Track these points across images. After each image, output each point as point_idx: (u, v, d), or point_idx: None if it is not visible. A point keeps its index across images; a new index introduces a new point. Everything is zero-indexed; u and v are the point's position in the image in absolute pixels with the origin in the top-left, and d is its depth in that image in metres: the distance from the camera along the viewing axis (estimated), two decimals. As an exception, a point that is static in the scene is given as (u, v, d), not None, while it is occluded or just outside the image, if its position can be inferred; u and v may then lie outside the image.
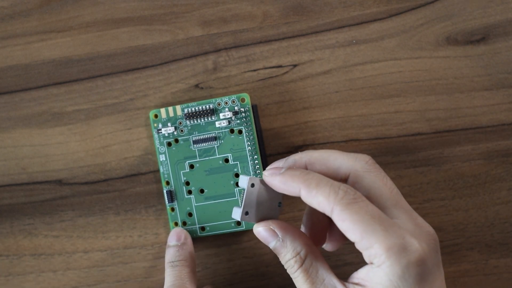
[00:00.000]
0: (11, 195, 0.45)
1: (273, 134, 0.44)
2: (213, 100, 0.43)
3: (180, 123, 0.43)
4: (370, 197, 0.36)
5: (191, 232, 0.43)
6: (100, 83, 0.45)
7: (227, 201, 0.43)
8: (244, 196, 0.37)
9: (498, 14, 0.44)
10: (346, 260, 0.44)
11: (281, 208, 0.38)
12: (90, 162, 0.45)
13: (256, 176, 0.40)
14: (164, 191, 0.43)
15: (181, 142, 0.43)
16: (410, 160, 0.44)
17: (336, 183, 0.35)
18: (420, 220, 0.36)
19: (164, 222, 0.44)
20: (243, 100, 0.43)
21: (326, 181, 0.35)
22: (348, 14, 0.44)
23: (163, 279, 0.43)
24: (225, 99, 0.43)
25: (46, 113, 0.45)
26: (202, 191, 0.43)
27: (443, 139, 0.44)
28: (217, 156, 0.43)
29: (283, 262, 0.37)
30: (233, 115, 0.42)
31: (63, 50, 0.45)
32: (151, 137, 0.44)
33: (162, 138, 0.43)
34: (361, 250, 0.34)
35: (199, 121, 0.43)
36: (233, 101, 0.43)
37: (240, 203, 0.38)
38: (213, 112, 0.43)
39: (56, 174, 0.45)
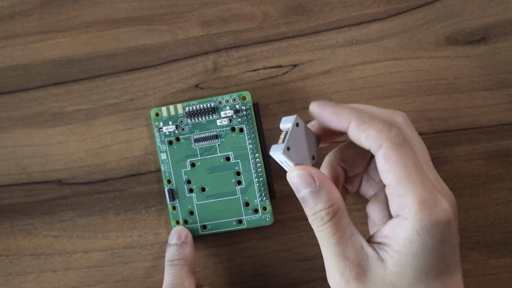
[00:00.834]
0: (11, 195, 0.45)
1: (273, 134, 0.44)
2: (214, 98, 0.43)
3: (181, 121, 0.43)
4: None
5: (192, 231, 0.43)
6: (100, 83, 0.45)
7: (229, 199, 0.43)
8: (290, 132, 0.36)
9: (498, 14, 0.44)
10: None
11: (314, 161, 0.37)
12: (90, 162, 0.45)
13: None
14: (166, 190, 0.43)
15: (182, 140, 0.43)
16: (410, 160, 0.44)
17: (388, 123, 0.35)
18: (444, 184, 0.36)
19: (164, 222, 0.44)
20: (244, 98, 0.43)
21: (379, 118, 0.35)
22: (348, 14, 0.44)
23: (163, 278, 0.43)
24: (226, 97, 0.43)
25: (46, 113, 0.45)
26: (203, 189, 0.43)
27: (443, 139, 0.44)
28: (218, 154, 0.43)
29: (311, 212, 0.35)
30: (234, 113, 0.42)
31: (63, 50, 0.45)
32: (151, 137, 0.44)
33: (163, 137, 0.43)
34: (391, 197, 0.34)
35: (200, 119, 0.43)
36: (234, 99, 0.43)
37: (282, 140, 0.36)
38: (214, 110, 0.43)
39: (56, 174, 0.45)
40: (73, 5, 0.44)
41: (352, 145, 0.39)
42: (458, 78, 0.44)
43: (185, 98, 0.44)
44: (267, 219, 0.43)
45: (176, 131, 0.43)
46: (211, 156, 0.43)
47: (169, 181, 0.43)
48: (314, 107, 0.36)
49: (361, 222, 0.43)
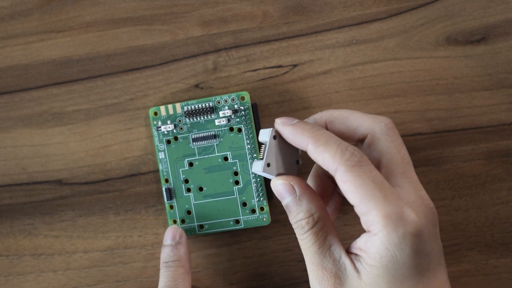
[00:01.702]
0: (11, 195, 0.45)
1: (273, 134, 0.44)
2: (213, 98, 0.43)
3: (180, 120, 0.43)
4: (381, 161, 0.36)
5: (190, 230, 0.43)
6: (100, 83, 0.45)
7: (226, 199, 0.43)
8: (267, 147, 0.37)
9: (498, 14, 0.44)
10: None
11: (299, 165, 0.38)
12: (90, 162, 0.45)
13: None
14: (163, 189, 0.43)
15: (181, 140, 0.43)
16: (410, 160, 0.44)
17: (344, 143, 0.35)
18: (423, 193, 0.36)
19: (164, 222, 0.44)
20: (242, 98, 0.43)
21: (335, 139, 0.35)
22: (348, 14, 0.44)
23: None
24: (225, 97, 0.43)
25: (46, 113, 0.45)
26: (201, 189, 0.43)
27: (443, 139, 0.44)
28: (217, 154, 0.43)
29: (293, 221, 0.36)
30: (232, 113, 0.42)
31: (63, 50, 0.45)
32: (151, 137, 0.44)
33: (161, 136, 0.43)
34: (359, 215, 0.34)
35: (198, 119, 0.43)
36: (233, 99, 0.43)
37: (261, 155, 0.37)
38: (213, 110, 0.43)
39: (56, 174, 0.45)
40: (73, 5, 0.44)
41: None
42: (458, 78, 0.44)
43: (185, 98, 0.44)
44: (264, 219, 0.43)
45: (174, 130, 0.43)
46: (209, 155, 0.43)
47: (166, 180, 0.43)
48: (277, 124, 0.37)
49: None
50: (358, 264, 0.34)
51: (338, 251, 0.35)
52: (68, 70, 0.45)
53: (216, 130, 0.43)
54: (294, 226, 0.36)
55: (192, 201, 0.43)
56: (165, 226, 0.44)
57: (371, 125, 0.37)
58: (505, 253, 0.44)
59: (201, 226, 0.43)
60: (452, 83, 0.44)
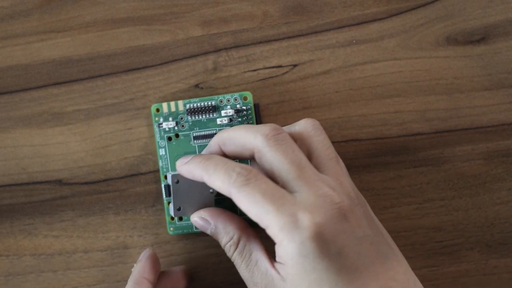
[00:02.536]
0: (11, 195, 0.45)
1: (273, 134, 0.44)
2: (216, 97, 0.43)
3: (182, 118, 0.43)
4: (273, 172, 0.36)
5: (187, 228, 0.43)
6: (100, 83, 0.45)
7: (224, 198, 0.43)
8: (172, 192, 0.39)
9: (498, 14, 0.44)
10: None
11: (214, 194, 0.40)
12: (90, 162, 0.45)
13: None
14: (162, 185, 0.43)
15: (182, 137, 0.43)
16: (410, 160, 0.44)
17: (231, 165, 0.36)
18: (325, 189, 0.35)
19: (164, 222, 0.44)
20: (245, 98, 0.43)
21: (222, 164, 0.36)
22: (348, 14, 0.44)
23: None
24: (228, 96, 0.43)
25: (46, 113, 0.45)
26: None
27: (443, 139, 0.44)
28: None
29: (222, 246, 0.38)
30: (234, 113, 0.42)
31: (63, 50, 0.45)
32: (151, 137, 0.44)
33: (162, 132, 0.43)
34: (265, 229, 0.35)
35: (200, 117, 0.43)
36: (236, 99, 0.43)
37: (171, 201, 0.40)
38: (215, 109, 0.43)
39: (56, 174, 0.45)
40: (73, 5, 0.44)
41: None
42: (458, 78, 0.44)
43: (185, 98, 0.44)
44: None
45: (176, 128, 0.43)
46: None
47: (166, 177, 0.43)
48: (177, 166, 0.39)
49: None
50: (282, 273, 0.35)
51: (263, 264, 0.36)
52: (68, 70, 0.45)
53: (217, 129, 0.43)
54: (225, 251, 0.38)
55: None
56: (165, 226, 0.44)
57: (253, 141, 0.37)
58: (505, 253, 0.44)
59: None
60: (452, 83, 0.44)
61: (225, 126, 0.43)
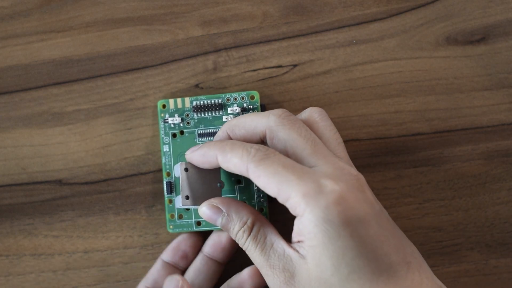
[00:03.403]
0: (11, 195, 0.45)
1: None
2: (223, 95, 0.42)
3: (188, 115, 0.43)
4: (287, 150, 0.36)
5: (187, 226, 0.43)
6: (100, 83, 0.45)
7: (226, 197, 0.42)
8: (180, 181, 0.39)
9: (498, 14, 0.44)
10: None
11: (221, 187, 0.40)
12: (90, 162, 0.45)
13: None
14: (164, 182, 0.43)
15: (186, 134, 0.43)
16: (410, 160, 0.44)
17: (248, 144, 0.36)
18: (342, 164, 0.36)
19: (164, 222, 0.44)
20: (252, 97, 0.42)
21: (239, 144, 0.37)
22: (348, 14, 0.44)
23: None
24: (235, 95, 0.42)
25: (46, 113, 0.45)
26: None
27: (443, 139, 0.44)
28: None
29: (233, 237, 0.37)
30: (241, 111, 0.42)
31: (63, 50, 0.45)
32: (151, 137, 0.44)
33: (167, 129, 0.43)
34: (283, 204, 0.35)
35: (206, 114, 0.43)
36: (242, 98, 0.42)
37: (178, 191, 0.40)
38: (222, 107, 0.42)
39: (56, 174, 0.45)
40: (73, 5, 0.44)
41: None
42: (458, 78, 0.44)
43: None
44: (262, 211, 0.42)
45: (181, 124, 0.43)
46: None
47: (168, 174, 0.43)
48: (186, 154, 0.39)
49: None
50: (301, 250, 0.35)
51: (280, 246, 0.36)
52: (68, 70, 0.45)
53: None
54: (236, 240, 0.37)
55: None
56: (165, 226, 0.44)
57: (265, 122, 0.37)
58: (505, 253, 0.44)
59: (199, 223, 0.43)
60: (452, 83, 0.44)
61: None
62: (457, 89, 0.44)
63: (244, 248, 0.37)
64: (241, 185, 0.42)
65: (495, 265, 0.44)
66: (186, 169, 0.39)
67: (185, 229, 0.43)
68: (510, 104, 0.44)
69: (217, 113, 0.43)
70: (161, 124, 0.43)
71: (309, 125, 0.38)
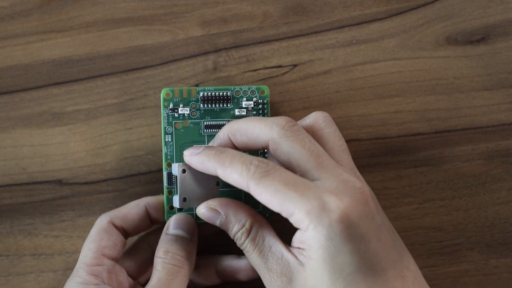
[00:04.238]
0: (11, 195, 0.45)
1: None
2: (232, 87, 0.42)
3: (194, 105, 0.42)
4: (291, 163, 0.36)
5: None
6: (100, 83, 0.45)
7: (229, 191, 0.42)
8: (178, 183, 0.39)
9: (498, 14, 0.44)
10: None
11: (219, 186, 0.39)
12: (90, 162, 0.45)
13: None
14: (164, 173, 0.42)
15: (191, 125, 0.42)
16: (410, 160, 0.44)
17: (248, 158, 0.36)
18: (346, 175, 0.35)
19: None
20: (262, 92, 0.42)
21: (239, 158, 0.36)
22: (348, 14, 0.44)
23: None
24: (244, 88, 0.42)
25: (46, 113, 0.45)
26: None
27: (443, 139, 0.44)
28: None
29: (232, 237, 0.37)
30: (254, 104, 0.42)
31: (63, 50, 0.45)
32: (151, 137, 0.44)
33: (170, 118, 0.42)
34: (287, 218, 0.35)
35: (213, 106, 0.42)
36: (253, 92, 0.42)
37: (176, 191, 0.39)
38: (230, 99, 0.42)
39: (56, 174, 0.45)
40: (73, 5, 0.44)
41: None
42: (458, 78, 0.44)
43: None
44: (266, 215, 0.42)
45: (186, 114, 0.42)
46: None
47: (169, 165, 0.42)
48: (185, 156, 0.38)
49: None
50: (301, 257, 0.35)
51: (279, 249, 0.36)
52: (68, 70, 0.45)
53: (230, 119, 0.42)
54: (235, 241, 0.37)
55: None
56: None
57: (268, 132, 0.37)
58: (505, 253, 0.44)
59: (198, 217, 0.42)
60: (452, 83, 0.44)
61: (240, 118, 0.41)
62: (457, 89, 0.44)
63: (242, 249, 0.37)
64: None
65: (495, 265, 0.44)
66: (183, 171, 0.39)
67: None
68: (510, 104, 0.44)
69: (224, 106, 0.42)
70: (164, 113, 0.42)
71: (313, 131, 0.38)
